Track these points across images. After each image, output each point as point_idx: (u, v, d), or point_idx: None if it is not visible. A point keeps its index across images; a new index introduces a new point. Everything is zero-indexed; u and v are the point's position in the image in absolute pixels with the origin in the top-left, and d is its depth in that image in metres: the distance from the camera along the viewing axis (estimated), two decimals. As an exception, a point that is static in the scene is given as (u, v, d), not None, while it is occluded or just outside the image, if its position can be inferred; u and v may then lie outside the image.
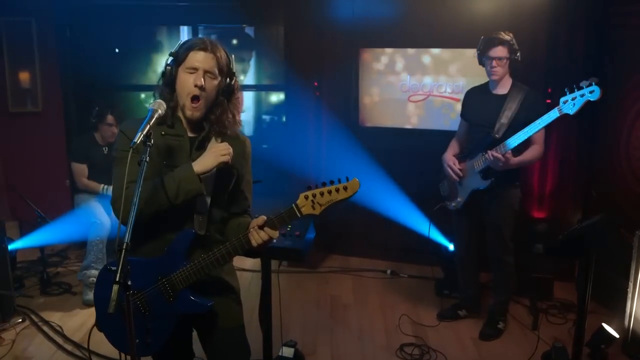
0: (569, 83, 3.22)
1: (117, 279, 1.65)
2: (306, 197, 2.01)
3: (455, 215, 3.94)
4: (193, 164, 2.07)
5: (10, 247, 4.29)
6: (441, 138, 4.15)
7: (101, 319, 2.25)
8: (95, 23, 5.55)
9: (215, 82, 2.11)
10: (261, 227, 2.06)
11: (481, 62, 3.63)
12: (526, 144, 3.53)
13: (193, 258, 2.12)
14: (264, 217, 2.07)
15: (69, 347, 3.75)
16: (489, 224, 3.80)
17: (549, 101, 4.02)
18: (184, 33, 6.37)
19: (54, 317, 4.13)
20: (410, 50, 4.97)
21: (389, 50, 5.03)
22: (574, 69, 4.39)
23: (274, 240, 2.13)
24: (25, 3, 5.22)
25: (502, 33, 3.52)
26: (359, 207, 5.27)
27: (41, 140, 5.45)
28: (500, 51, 3.50)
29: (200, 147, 2.17)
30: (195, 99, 2.08)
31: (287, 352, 3.53)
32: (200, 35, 5.84)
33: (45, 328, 4.00)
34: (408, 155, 5.06)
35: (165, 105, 2.03)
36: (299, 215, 2.03)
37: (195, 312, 2.16)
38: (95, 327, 2.26)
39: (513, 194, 3.71)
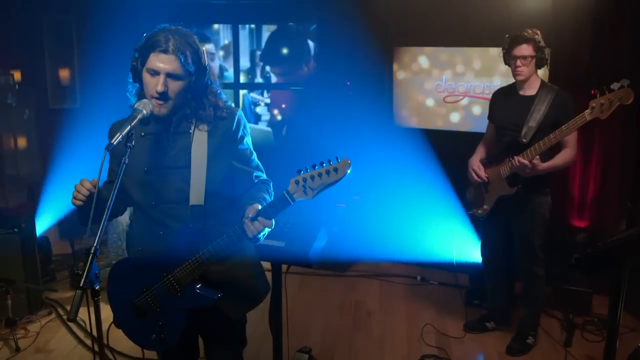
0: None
1: (82, 284, 1.60)
2: (297, 182, 1.91)
3: (483, 223, 3.75)
4: None
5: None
6: (477, 141, 3.97)
7: (117, 315, 2.28)
8: (135, 21, 5.61)
9: (180, 82, 1.99)
10: (255, 218, 1.97)
11: (506, 62, 3.43)
12: (557, 147, 3.31)
13: (195, 251, 2.07)
14: (257, 206, 1.99)
15: (89, 342, 3.79)
16: (517, 234, 3.59)
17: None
18: (221, 30, 6.41)
19: (80, 312, 4.16)
20: (447, 49, 4.79)
21: (424, 49, 4.87)
22: (620, 70, 4.09)
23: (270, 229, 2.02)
24: (66, 2, 5.34)
25: (528, 30, 3.30)
26: (391, 209, 5.16)
27: (79, 136, 5.55)
28: (525, 49, 3.29)
29: (175, 140, 2.09)
30: (159, 98, 1.97)
31: (301, 358, 3.43)
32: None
33: (70, 323, 4.07)
34: (443, 157, 4.88)
35: (150, 106, 1.97)
36: (291, 201, 1.94)
37: (204, 305, 2.12)
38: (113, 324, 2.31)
39: (543, 202, 3.48)
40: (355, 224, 5.08)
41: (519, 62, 3.32)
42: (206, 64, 2.05)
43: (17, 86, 5.13)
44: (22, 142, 5.09)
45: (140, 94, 2.04)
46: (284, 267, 3.03)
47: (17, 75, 5.16)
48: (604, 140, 4.34)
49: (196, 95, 2.06)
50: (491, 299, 3.97)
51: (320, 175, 1.88)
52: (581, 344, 3.78)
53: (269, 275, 2.99)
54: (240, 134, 2.16)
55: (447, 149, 4.86)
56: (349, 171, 1.88)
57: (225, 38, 6.64)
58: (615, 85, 2.88)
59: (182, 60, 1.95)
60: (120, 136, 1.80)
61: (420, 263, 5.07)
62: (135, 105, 1.94)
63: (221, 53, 6.59)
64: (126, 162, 1.83)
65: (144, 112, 1.92)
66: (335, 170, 1.88)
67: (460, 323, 4.05)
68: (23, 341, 3.79)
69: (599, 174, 4.39)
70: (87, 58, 5.46)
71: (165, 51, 1.93)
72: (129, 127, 1.84)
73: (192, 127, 2.09)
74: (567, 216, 4.49)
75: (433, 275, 4.92)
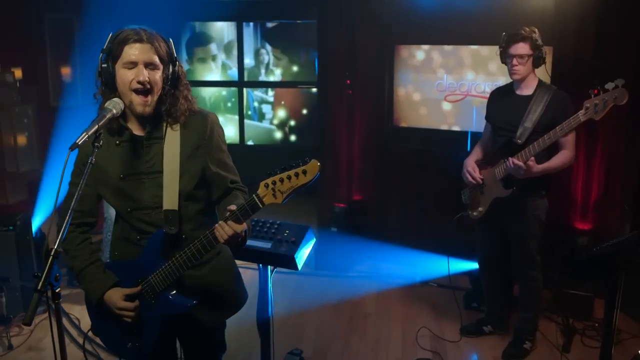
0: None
1: (39, 287, 1.57)
2: (266, 186, 1.83)
3: (478, 226, 3.67)
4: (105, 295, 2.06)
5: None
6: (478, 140, 3.89)
7: (94, 323, 2.25)
8: (136, 18, 5.61)
9: (159, 72, 1.96)
10: (225, 221, 1.91)
11: (503, 60, 3.35)
12: (554, 148, 3.22)
13: (170, 257, 2.03)
14: (232, 208, 1.92)
15: (81, 341, 3.77)
16: (513, 236, 3.50)
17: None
18: (227, 27, 6.41)
19: (75, 310, 4.17)
20: (448, 47, 4.71)
21: (425, 46, 4.79)
22: (624, 69, 3.99)
23: (242, 233, 1.94)
24: (67, 0, 5.35)
25: (525, 28, 3.21)
26: (393, 209, 5.10)
27: (80, 134, 5.57)
28: (521, 48, 3.20)
29: (149, 146, 2.04)
30: (142, 93, 1.93)
31: (291, 360, 3.40)
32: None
33: (63, 320, 4.05)
34: (444, 156, 4.81)
35: (121, 104, 1.93)
36: (260, 205, 1.86)
37: (178, 312, 2.08)
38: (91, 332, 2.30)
39: (539, 205, 3.39)
40: (354, 224, 5.03)
41: (515, 61, 3.24)
42: (175, 55, 2.02)
43: (18, 84, 5.14)
44: (22, 139, 5.10)
45: (109, 97, 1.98)
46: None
47: (18, 73, 5.18)
48: (607, 141, 4.23)
49: (171, 86, 2.02)
50: (488, 302, 3.89)
51: (289, 177, 1.80)
52: (580, 350, 3.70)
53: (255, 274, 2.98)
54: (214, 138, 2.10)
55: (448, 149, 4.79)
56: (318, 173, 1.80)
57: (229, 36, 6.63)
58: (609, 85, 2.80)
59: (157, 48, 1.94)
60: (87, 135, 1.77)
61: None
62: (105, 105, 1.90)
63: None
64: (92, 162, 1.79)
65: (114, 111, 1.89)
66: (304, 172, 1.79)
67: (457, 326, 3.97)
68: (16, 339, 3.80)
69: (602, 175, 4.28)
70: (88, 55, 5.45)
71: (140, 40, 1.91)
72: (97, 126, 1.80)
73: (165, 128, 2.04)
74: (569, 218, 4.39)
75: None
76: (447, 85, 4.76)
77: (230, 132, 6.69)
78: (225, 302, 2.26)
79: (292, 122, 6.74)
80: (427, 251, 4.87)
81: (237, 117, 6.73)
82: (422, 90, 4.86)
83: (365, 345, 3.83)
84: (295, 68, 6.58)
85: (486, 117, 3.63)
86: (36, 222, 4.76)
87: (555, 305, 4.10)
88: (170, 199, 2.02)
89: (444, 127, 4.83)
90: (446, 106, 4.79)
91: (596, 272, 2.76)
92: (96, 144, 1.80)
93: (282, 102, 6.75)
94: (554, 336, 3.84)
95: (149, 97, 1.95)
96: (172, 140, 2.03)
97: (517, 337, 3.67)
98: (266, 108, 6.85)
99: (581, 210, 4.36)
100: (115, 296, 2.03)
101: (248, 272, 4.45)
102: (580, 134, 4.13)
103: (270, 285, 2.96)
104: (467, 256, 4.48)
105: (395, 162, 5.09)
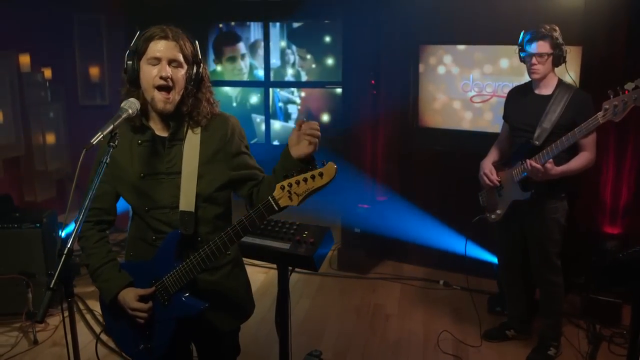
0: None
1: (52, 286, 1.59)
2: (282, 188, 1.81)
3: (497, 228, 3.60)
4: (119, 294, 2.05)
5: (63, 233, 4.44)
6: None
7: (108, 322, 2.26)
8: (164, 20, 5.66)
9: (182, 71, 1.95)
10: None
11: (522, 59, 3.27)
12: (574, 149, 3.14)
13: (185, 259, 2.03)
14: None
15: (104, 338, 3.82)
16: (532, 240, 3.42)
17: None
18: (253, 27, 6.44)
19: (99, 307, 4.22)
20: (474, 47, 4.64)
21: (451, 47, 4.73)
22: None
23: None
24: (96, 0, 5.42)
25: (545, 26, 3.13)
26: (416, 210, 5.06)
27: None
28: (541, 46, 3.12)
29: (171, 147, 2.04)
30: (164, 89, 1.93)
31: (309, 362, 3.38)
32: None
33: (88, 317, 4.12)
34: (469, 158, 4.73)
35: (137, 105, 1.94)
36: (276, 208, 1.84)
37: (190, 315, 2.07)
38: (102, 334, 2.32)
39: (558, 208, 3.29)
40: (378, 225, 5.00)
41: (534, 60, 3.17)
42: (200, 56, 2.02)
43: (47, 83, 5.23)
44: (51, 138, 5.19)
45: (132, 95, 1.99)
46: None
47: (48, 73, 5.26)
48: (638, 142, 4.11)
49: (194, 87, 2.01)
50: (509, 305, 3.82)
51: (305, 180, 1.78)
52: (607, 357, 3.60)
53: (274, 275, 2.97)
54: (235, 141, 2.09)
55: (473, 150, 4.71)
56: (335, 175, 1.77)
57: (255, 36, 6.65)
58: (629, 86, 2.71)
59: (181, 46, 1.94)
60: (102, 135, 1.78)
61: (446, 266, 4.92)
62: (122, 105, 1.92)
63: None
64: (107, 161, 1.81)
65: (130, 111, 1.90)
66: (320, 175, 1.77)
67: (479, 330, 3.89)
68: (42, 334, 3.86)
69: (632, 178, 4.16)
70: (116, 56, 5.53)
71: (165, 37, 1.93)
72: (112, 126, 1.81)
73: (186, 130, 2.05)
74: (597, 222, 4.27)
75: (456, 279, 4.76)
76: (472, 86, 4.69)
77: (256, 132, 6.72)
78: (236, 308, 2.26)
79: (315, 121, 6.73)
80: (450, 256, 4.82)
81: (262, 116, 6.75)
82: (448, 90, 4.81)
83: (386, 347, 3.80)
84: (320, 68, 6.56)
85: (504, 117, 3.55)
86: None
87: (582, 311, 4.01)
88: (186, 200, 2.02)
89: (470, 128, 4.76)
90: (472, 107, 4.72)
91: (622, 278, 2.70)
92: (111, 143, 1.81)
93: (308, 102, 6.74)
94: (580, 343, 3.75)
95: (171, 94, 1.94)
96: (192, 142, 2.03)
97: (541, 342, 3.59)
98: (292, 108, 6.85)
99: (610, 214, 4.25)
100: (129, 296, 2.03)
101: (270, 272, 4.51)
102: (610, 136, 4.05)
103: (288, 285, 2.94)
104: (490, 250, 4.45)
105: (420, 163, 5.04)
